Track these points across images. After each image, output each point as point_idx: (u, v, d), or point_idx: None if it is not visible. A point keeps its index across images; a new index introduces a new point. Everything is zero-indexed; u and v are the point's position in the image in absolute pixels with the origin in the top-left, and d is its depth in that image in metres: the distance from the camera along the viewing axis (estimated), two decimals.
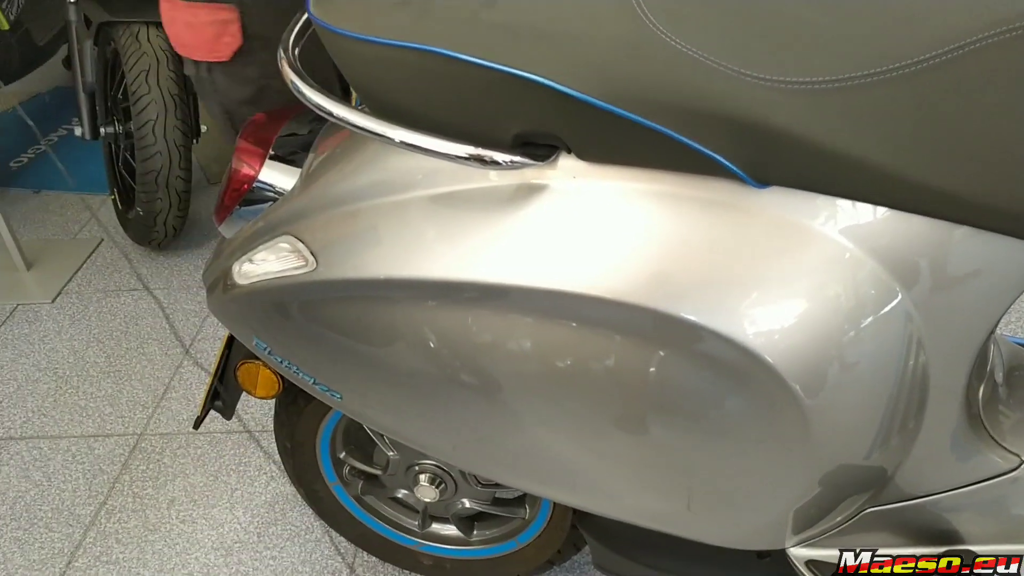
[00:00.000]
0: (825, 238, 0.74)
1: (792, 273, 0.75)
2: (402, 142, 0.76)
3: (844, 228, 0.74)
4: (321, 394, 1.00)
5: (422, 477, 1.24)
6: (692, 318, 0.75)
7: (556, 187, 0.78)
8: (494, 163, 0.76)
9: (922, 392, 0.82)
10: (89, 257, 2.56)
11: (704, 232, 0.76)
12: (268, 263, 0.94)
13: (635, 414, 0.85)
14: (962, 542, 0.97)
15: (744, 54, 0.70)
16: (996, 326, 0.83)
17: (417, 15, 0.76)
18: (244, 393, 1.19)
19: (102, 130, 2.49)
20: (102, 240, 2.64)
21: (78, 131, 2.48)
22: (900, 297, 0.75)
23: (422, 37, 0.74)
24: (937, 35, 0.67)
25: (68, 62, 2.55)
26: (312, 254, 0.89)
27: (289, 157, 0.99)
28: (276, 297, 0.93)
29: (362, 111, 0.79)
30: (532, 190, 0.79)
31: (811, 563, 0.96)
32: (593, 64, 0.71)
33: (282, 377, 1.13)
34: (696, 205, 0.76)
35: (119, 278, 2.46)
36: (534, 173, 0.79)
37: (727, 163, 0.72)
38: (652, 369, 0.81)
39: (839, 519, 0.93)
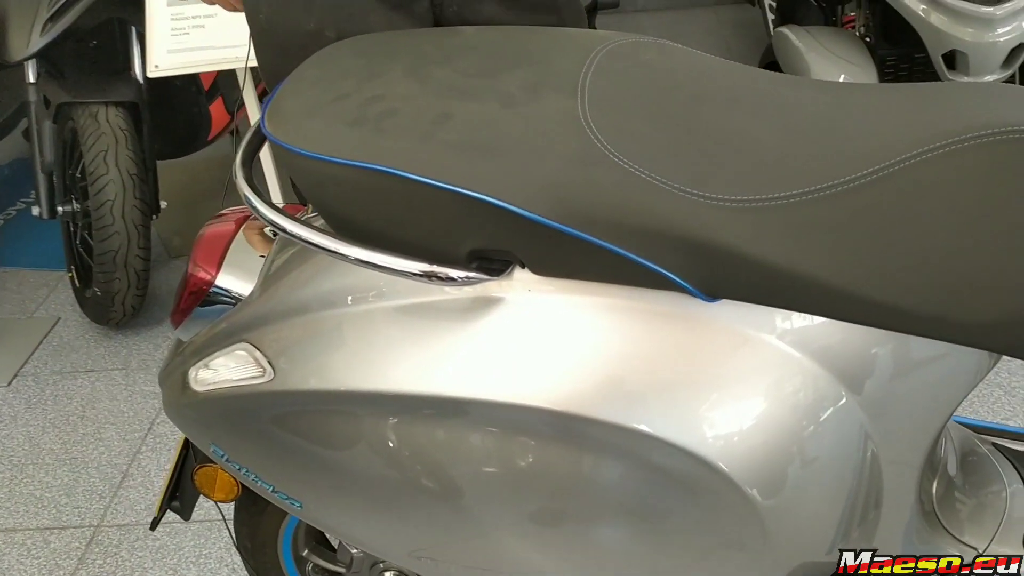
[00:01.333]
0: (773, 347, 0.75)
1: (741, 381, 0.76)
2: (356, 259, 0.77)
3: (792, 338, 0.75)
4: (281, 502, 0.99)
5: (387, 575, 1.22)
6: (645, 428, 0.75)
7: (511, 300, 0.79)
8: (449, 279, 0.76)
9: (876, 491, 0.82)
10: (45, 337, 2.52)
11: (656, 343, 0.77)
12: (225, 370, 0.93)
13: (592, 522, 0.85)
14: None
15: (689, 172, 0.71)
16: (945, 425, 0.84)
17: (371, 134, 0.76)
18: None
19: (60, 209, 2.47)
20: (59, 319, 2.60)
21: (35, 210, 2.46)
22: (846, 400, 0.76)
23: (376, 157, 0.75)
24: (872, 152, 0.69)
25: (27, 134, 2.55)
26: (269, 363, 0.88)
27: (246, 262, 0.99)
28: (233, 406, 0.92)
29: (317, 225, 0.80)
30: (488, 303, 0.79)
31: None
32: (544, 184, 0.72)
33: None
34: (648, 317, 0.77)
35: (76, 359, 2.42)
36: (490, 286, 0.79)
37: (677, 279, 0.73)
38: (608, 479, 0.81)
39: None
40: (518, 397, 0.78)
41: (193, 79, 2.68)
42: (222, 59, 2.17)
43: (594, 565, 0.90)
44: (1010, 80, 1.89)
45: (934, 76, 2.12)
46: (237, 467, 0.98)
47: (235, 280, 0.97)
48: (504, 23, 1.11)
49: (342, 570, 1.29)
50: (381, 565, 1.23)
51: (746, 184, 0.71)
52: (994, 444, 1.10)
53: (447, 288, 0.80)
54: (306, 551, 1.28)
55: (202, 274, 0.98)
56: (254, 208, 0.81)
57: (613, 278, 0.76)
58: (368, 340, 0.84)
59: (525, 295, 0.78)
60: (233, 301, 0.97)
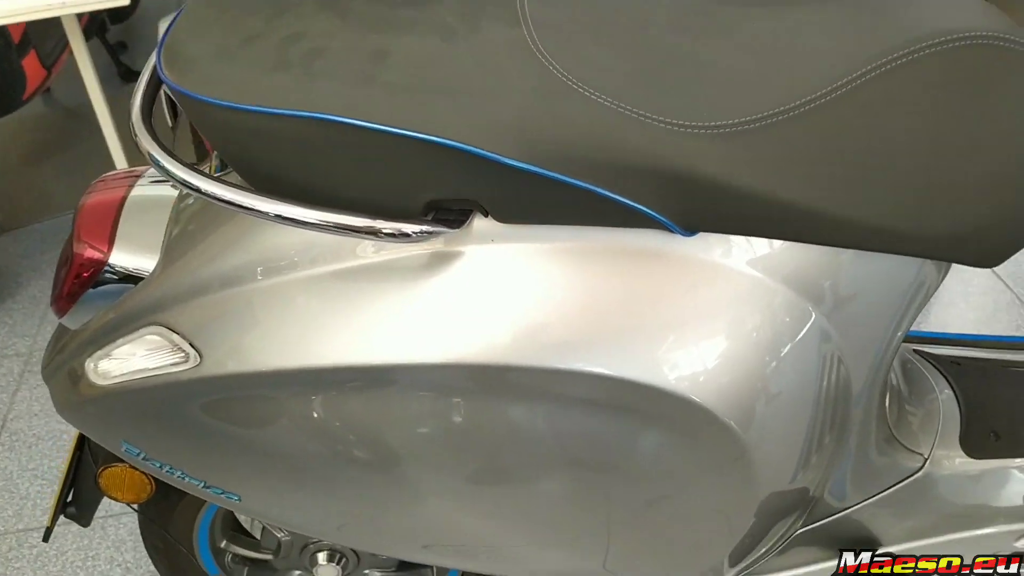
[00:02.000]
0: (746, 276, 0.72)
1: (718, 314, 0.73)
2: (299, 220, 0.67)
3: (763, 265, 0.73)
4: (215, 497, 0.89)
5: (320, 556, 1.14)
6: (626, 374, 0.72)
7: (472, 253, 0.72)
8: (403, 235, 0.68)
9: (844, 407, 0.82)
10: None
11: (632, 284, 0.72)
12: (135, 359, 0.81)
13: (568, 477, 0.81)
14: (880, 545, 0.99)
15: (657, 100, 0.66)
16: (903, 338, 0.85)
17: (301, 78, 0.67)
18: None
19: None
20: None
21: None
22: (817, 321, 0.75)
23: (311, 103, 0.66)
24: (835, 67, 0.67)
25: None
26: (193, 347, 0.78)
27: (141, 233, 0.87)
28: (151, 397, 0.81)
29: (241, 186, 0.70)
30: (446, 258, 0.72)
31: None
32: (508, 123, 0.65)
33: (155, 478, 0.99)
34: (622, 257, 0.72)
35: None
36: (447, 240, 0.72)
37: (655, 215, 0.68)
38: (588, 432, 0.77)
39: (771, 543, 0.92)
40: (486, 356, 0.72)
41: (0, 32, 2.39)
42: (37, 6, 1.93)
43: (561, 520, 0.86)
44: None
45: None
46: (158, 465, 0.88)
47: (131, 256, 0.85)
48: None
49: (267, 556, 1.20)
50: (312, 547, 1.15)
51: (717, 110, 0.67)
52: (915, 350, 1.14)
53: (396, 246, 0.73)
54: (224, 542, 1.18)
55: (91, 252, 0.85)
56: (160, 168, 0.70)
57: (584, 219, 0.70)
58: (308, 310, 0.75)
59: (487, 247, 0.72)
60: (131, 280, 0.85)
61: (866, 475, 0.93)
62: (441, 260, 0.72)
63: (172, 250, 0.83)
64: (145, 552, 1.20)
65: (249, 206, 0.67)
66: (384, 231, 0.67)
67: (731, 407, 0.73)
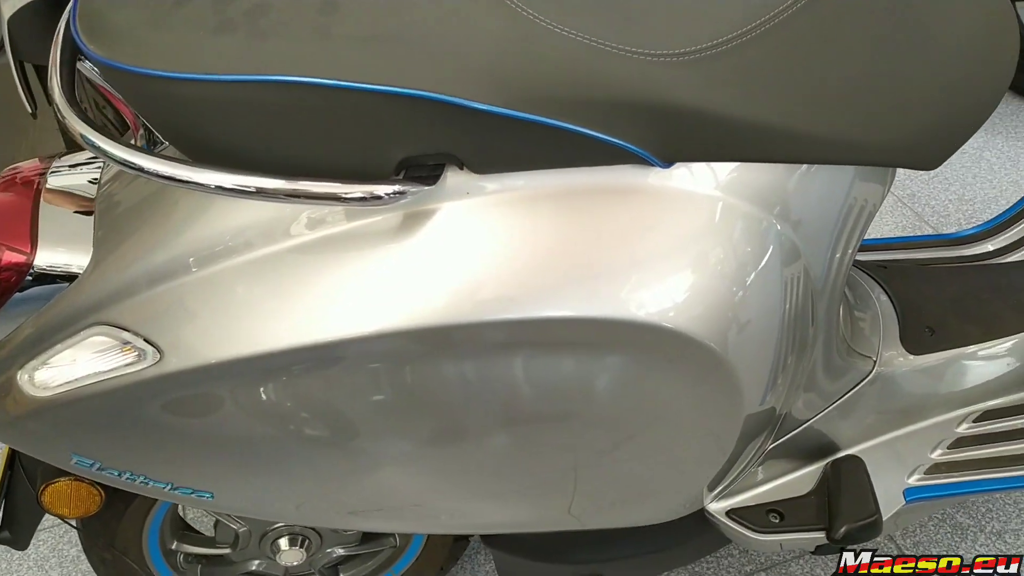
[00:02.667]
0: (716, 199, 0.72)
1: (693, 238, 0.72)
2: (269, 191, 0.62)
3: (734, 188, 0.73)
4: (183, 498, 0.83)
5: (282, 541, 1.10)
6: (611, 313, 0.71)
7: (448, 208, 0.69)
8: (375, 198, 0.64)
9: (809, 320, 0.84)
10: None
11: (610, 221, 0.71)
12: (80, 364, 0.74)
13: (542, 427, 0.81)
14: (840, 449, 1.04)
15: (627, 31, 0.65)
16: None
17: (249, 39, 0.61)
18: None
19: None
20: None
21: None
22: (783, 233, 0.75)
23: (266, 65, 0.60)
24: None
25: None
26: (151, 343, 0.72)
27: (64, 228, 0.79)
28: (106, 403, 0.74)
29: (186, 161, 0.64)
30: (421, 217, 0.69)
31: (731, 513, 0.97)
32: (482, 68, 0.62)
33: (103, 488, 0.93)
34: (602, 196, 0.71)
35: None
36: (420, 199, 0.68)
37: (635, 149, 0.67)
38: (569, 379, 0.76)
39: (745, 464, 0.94)
40: (466, 314, 0.69)
41: None
42: None
43: (546, 468, 0.86)
44: None
45: None
46: (115, 474, 0.81)
47: (58, 253, 0.77)
48: None
49: (224, 551, 1.14)
50: (272, 533, 1.10)
51: (687, 35, 0.66)
52: None
53: (366, 209, 0.69)
54: (175, 543, 1.12)
55: (10, 256, 0.76)
56: (93, 147, 0.63)
57: (562, 161, 0.68)
58: (274, 291, 0.70)
59: (463, 200, 0.69)
60: (61, 279, 0.77)
61: (825, 386, 0.96)
62: (416, 220, 0.69)
63: (105, 242, 0.76)
64: (72, 568, 1.12)
65: (209, 183, 0.62)
66: (356, 195, 0.63)
67: (712, 329, 0.74)
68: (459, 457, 0.83)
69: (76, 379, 0.75)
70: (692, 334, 0.72)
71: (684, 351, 0.74)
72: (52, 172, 0.83)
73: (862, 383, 1.00)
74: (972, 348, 1.08)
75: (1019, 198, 1.33)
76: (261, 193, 0.62)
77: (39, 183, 0.81)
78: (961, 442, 1.06)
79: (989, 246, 1.31)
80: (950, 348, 1.06)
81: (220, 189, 0.62)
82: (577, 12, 0.65)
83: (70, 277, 0.77)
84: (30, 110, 1.79)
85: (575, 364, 0.75)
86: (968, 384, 1.09)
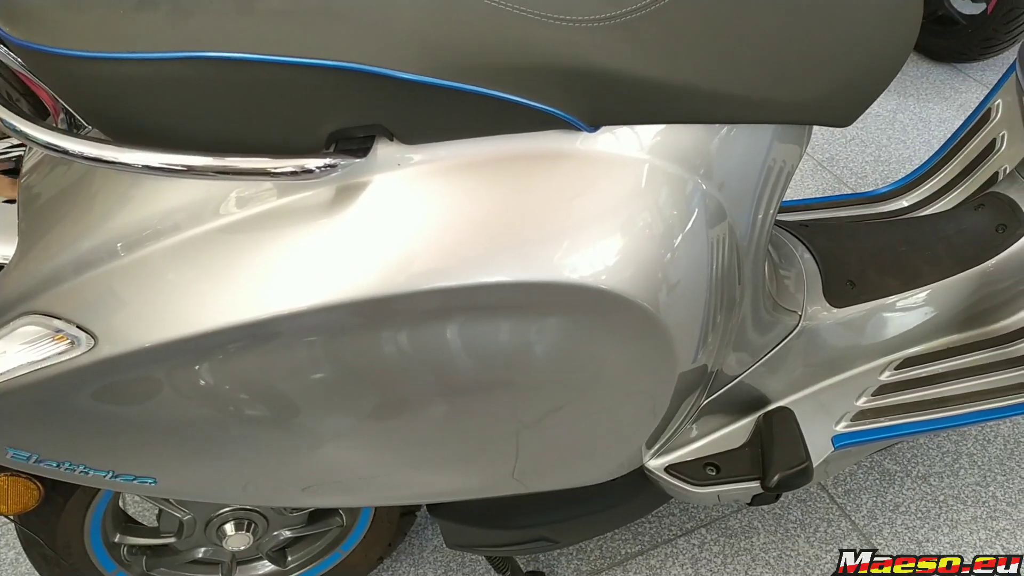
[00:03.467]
0: (641, 161, 0.74)
1: (621, 200, 0.74)
2: (198, 169, 0.62)
3: (657, 150, 0.75)
4: (124, 485, 0.83)
5: (227, 527, 1.09)
6: (541, 277, 0.72)
7: (379, 180, 0.69)
8: (306, 172, 0.64)
9: (737, 275, 0.87)
10: None
11: (539, 187, 0.72)
12: (12, 355, 0.73)
13: (482, 394, 0.82)
14: (771, 402, 1.07)
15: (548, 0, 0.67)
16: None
17: (172, 16, 0.61)
18: None
19: None
20: None
21: None
22: (708, 193, 0.78)
23: (191, 42, 0.60)
24: None
25: None
26: (83, 330, 0.71)
27: None
28: (41, 393, 0.73)
29: (110, 142, 0.63)
30: (353, 191, 0.69)
31: (669, 469, 1.00)
32: (407, 38, 0.63)
33: (41, 482, 0.91)
34: (531, 162, 0.72)
35: None
36: (351, 172, 0.68)
37: (561, 114, 0.69)
38: (503, 345, 0.77)
39: (681, 421, 0.97)
40: (400, 285, 0.70)
41: None
42: None
43: (480, 435, 0.87)
44: None
45: None
46: (54, 465, 0.80)
47: None
48: None
49: (168, 540, 1.13)
50: (217, 519, 1.10)
51: (607, 1, 0.68)
52: None
53: (296, 185, 0.69)
54: (118, 535, 1.11)
55: None
56: (26, 136, 0.62)
57: (492, 128, 0.69)
58: (207, 270, 0.70)
59: (394, 172, 0.69)
60: None
61: (754, 342, 0.99)
62: (348, 193, 0.69)
63: (30, 231, 0.75)
64: (12, 572, 1.10)
65: (136, 162, 0.61)
66: (286, 170, 0.63)
67: (643, 289, 0.75)
68: (401, 428, 0.84)
69: (7, 371, 0.73)
70: (624, 294, 0.74)
71: (617, 311, 0.76)
72: None
73: (788, 337, 1.03)
74: (891, 299, 1.12)
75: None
76: (191, 171, 0.62)
77: None
78: (884, 389, 1.11)
79: (904, 202, 1.36)
80: (870, 300, 1.11)
81: (147, 168, 0.61)
82: None
83: None
84: None
85: (511, 330, 0.76)
86: (889, 334, 1.14)
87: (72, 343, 0.71)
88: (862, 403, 1.09)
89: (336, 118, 0.65)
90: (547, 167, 0.72)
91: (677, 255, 0.77)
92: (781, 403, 1.07)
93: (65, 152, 0.62)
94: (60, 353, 0.71)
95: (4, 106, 0.63)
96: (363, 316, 0.71)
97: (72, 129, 0.78)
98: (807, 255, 1.13)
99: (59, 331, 0.72)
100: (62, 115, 0.80)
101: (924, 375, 1.13)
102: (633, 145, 0.73)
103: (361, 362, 0.75)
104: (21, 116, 0.62)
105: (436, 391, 0.80)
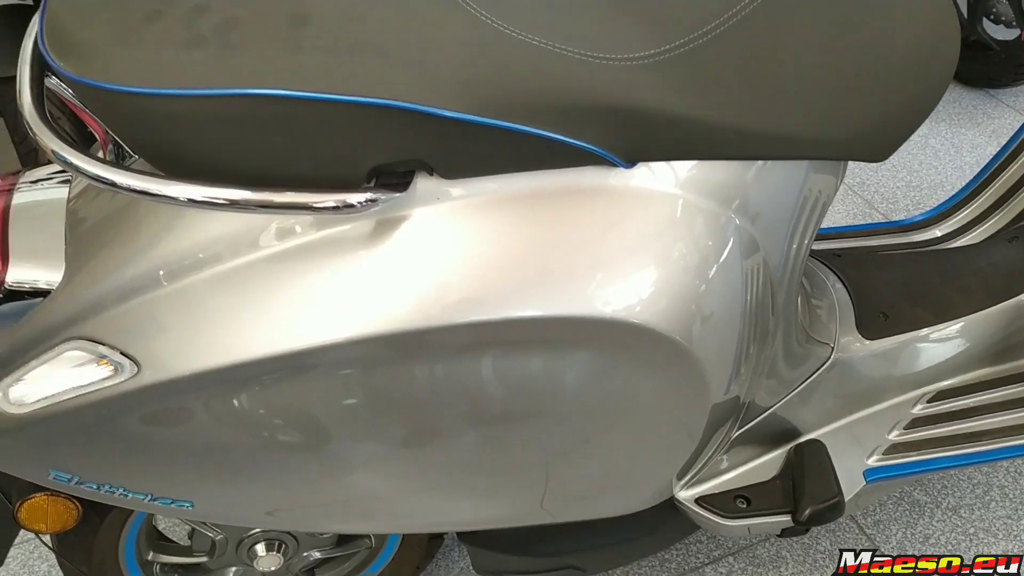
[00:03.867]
0: (675, 197, 0.75)
1: (654, 235, 0.75)
2: (242, 203, 0.64)
3: (693, 185, 0.75)
4: (162, 509, 0.84)
5: (259, 547, 1.11)
6: (576, 311, 0.73)
7: (419, 214, 0.70)
8: (348, 207, 0.66)
9: (770, 308, 0.87)
10: None
11: (578, 221, 0.73)
12: (57, 379, 0.75)
13: (514, 425, 0.83)
14: (802, 434, 1.07)
15: (588, 36, 0.68)
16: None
17: (222, 53, 0.62)
18: None
19: None
20: None
21: None
22: (741, 227, 0.78)
23: (242, 79, 0.61)
24: None
25: None
26: (127, 357, 0.72)
27: (35, 241, 0.79)
28: (84, 417, 0.75)
29: (157, 174, 0.65)
30: (392, 224, 0.70)
31: (700, 500, 1.00)
32: (451, 76, 0.64)
33: (81, 501, 0.93)
34: (567, 198, 0.73)
35: None
36: (391, 205, 0.70)
37: (599, 151, 0.69)
38: (535, 377, 0.78)
39: (712, 452, 0.97)
40: (443, 317, 0.71)
41: None
42: None
43: (515, 465, 0.88)
44: None
45: None
46: (94, 487, 0.82)
47: (29, 270, 0.77)
48: None
49: (200, 559, 1.15)
50: (248, 539, 1.11)
51: (644, 39, 0.69)
52: None
53: (337, 218, 0.70)
54: (151, 553, 1.12)
55: None
56: (78, 169, 0.64)
57: (530, 164, 0.70)
58: (250, 300, 0.71)
59: (433, 206, 0.70)
60: (32, 295, 0.78)
61: (785, 374, 0.99)
62: (387, 227, 0.70)
63: (77, 257, 0.76)
64: None
65: (181, 196, 0.63)
66: (328, 205, 0.65)
67: (676, 323, 0.76)
68: (432, 457, 0.84)
69: (53, 395, 0.75)
70: (658, 328, 0.75)
71: (650, 345, 0.76)
72: (18, 189, 0.83)
73: (821, 369, 1.03)
74: (924, 331, 1.12)
75: (963, 183, 1.38)
76: (234, 205, 0.64)
77: (5, 200, 0.81)
78: (917, 422, 1.11)
79: (936, 232, 1.35)
80: (903, 332, 1.10)
81: (192, 202, 0.63)
82: (536, 18, 0.67)
83: (42, 293, 0.77)
84: None
85: (544, 362, 0.77)
86: (921, 366, 1.13)
87: (116, 369, 0.73)
88: (894, 436, 1.09)
89: (378, 153, 0.66)
90: (583, 202, 0.73)
91: (710, 289, 0.77)
92: (812, 435, 1.07)
93: (113, 184, 0.64)
94: (104, 379, 0.73)
95: (55, 136, 0.65)
96: (399, 348, 0.72)
97: (119, 158, 0.80)
98: (839, 285, 1.12)
99: (103, 357, 0.73)
100: (111, 144, 0.82)
101: (957, 409, 1.12)
102: (668, 180, 0.74)
103: (394, 392, 0.76)
104: (70, 147, 0.64)
105: (467, 421, 0.80)
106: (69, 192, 0.83)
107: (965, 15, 2.26)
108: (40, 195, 0.83)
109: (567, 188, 0.72)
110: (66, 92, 0.80)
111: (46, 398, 0.75)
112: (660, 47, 0.69)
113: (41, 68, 0.69)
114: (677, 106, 0.69)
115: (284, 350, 0.70)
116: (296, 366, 0.72)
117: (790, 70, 0.73)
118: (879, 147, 0.80)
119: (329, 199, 0.64)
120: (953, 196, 1.37)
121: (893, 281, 1.16)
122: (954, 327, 1.14)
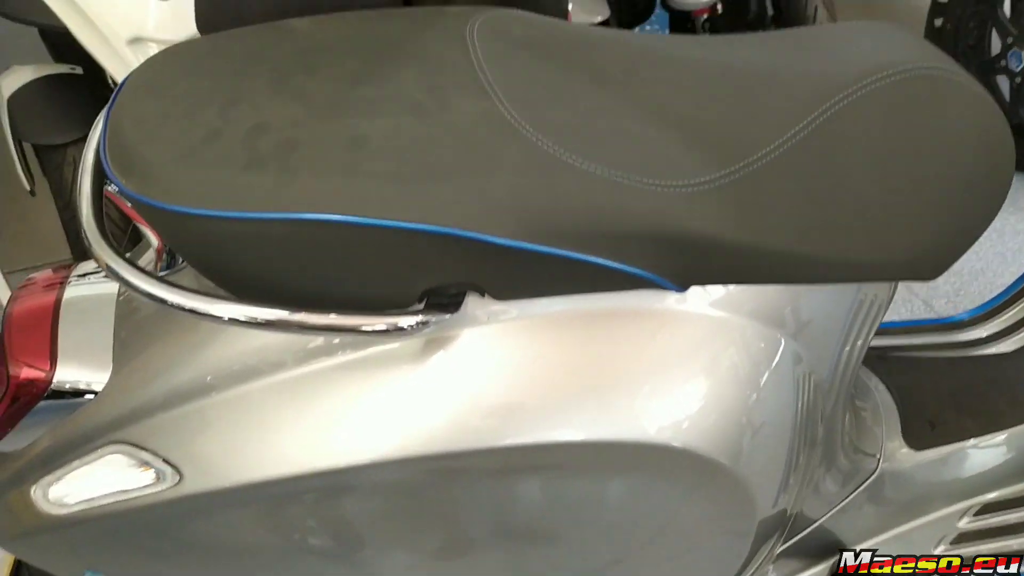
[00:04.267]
0: (717, 318, 0.74)
1: (697, 358, 0.74)
2: (292, 324, 0.64)
3: (744, 308, 0.75)
4: None
5: None
6: (621, 436, 0.72)
7: (468, 334, 0.70)
8: (399, 330, 0.66)
9: (816, 424, 0.85)
10: None
11: (630, 344, 0.73)
12: (97, 482, 0.75)
13: (565, 540, 0.81)
14: (847, 546, 1.04)
15: (641, 161, 0.67)
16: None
17: (281, 176, 0.63)
18: None
19: None
20: None
21: None
22: (786, 344, 0.77)
23: (300, 203, 0.62)
24: (792, 109, 0.70)
25: None
26: (168, 464, 0.72)
27: (83, 342, 0.79)
28: (123, 522, 0.75)
29: (221, 294, 0.65)
30: (441, 343, 0.70)
31: None
32: (504, 203, 0.64)
33: None
34: (617, 320, 0.73)
35: None
36: (441, 326, 0.69)
37: (651, 276, 0.69)
38: (589, 496, 0.77)
39: (758, 566, 0.95)
40: (490, 439, 0.70)
41: None
42: None
43: None
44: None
45: None
46: None
47: (77, 370, 0.77)
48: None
49: None
50: None
51: (698, 164, 0.68)
52: None
53: (385, 337, 0.70)
54: None
55: (30, 372, 0.77)
56: (132, 286, 0.64)
57: (582, 287, 0.70)
58: (294, 415, 0.71)
59: (483, 327, 0.70)
60: (77, 394, 0.78)
61: (831, 488, 0.97)
62: (437, 346, 0.70)
63: (125, 359, 0.77)
64: None
65: (236, 317, 0.63)
66: (379, 328, 0.65)
67: (724, 448, 0.75)
68: (463, 572, 0.83)
69: (93, 498, 0.75)
70: (706, 454, 0.74)
71: (697, 469, 0.75)
72: (70, 283, 0.84)
73: (868, 481, 1.01)
74: (971, 441, 1.09)
75: (1004, 268, 1.36)
76: (283, 326, 0.64)
77: (57, 295, 0.82)
78: (963, 537, 1.08)
79: (982, 332, 1.33)
80: (950, 443, 1.08)
81: (236, 322, 0.63)
82: (592, 143, 0.67)
83: (88, 392, 0.77)
84: (28, 188, 1.79)
85: (589, 483, 0.76)
86: (968, 477, 1.10)
87: (158, 476, 0.73)
88: (940, 551, 1.06)
89: (431, 277, 0.66)
90: (633, 325, 0.72)
91: (759, 410, 0.76)
92: (858, 547, 1.04)
93: (163, 302, 0.64)
94: (145, 486, 0.73)
95: (112, 251, 0.66)
96: (440, 469, 0.71)
97: (174, 258, 0.81)
98: (882, 387, 1.11)
99: (146, 463, 0.73)
100: (166, 252, 0.83)
101: (1004, 523, 1.09)
102: (719, 303, 0.73)
103: (434, 508, 0.75)
104: (124, 262, 0.65)
105: (505, 538, 0.79)
106: (119, 290, 0.83)
107: (1007, 98, 2.26)
108: (91, 290, 0.84)
109: (618, 310, 0.72)
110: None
111: (86, 500, 0.75)
112: (714, 173, 0.68)
113: (101, 179, 0.70)
114: (730, 232, 0.69)
115: (327, 467, 0.70)
116: (337, 483, 0.71)
117: (843, 196, 0.72)
118: (931, 268, 0.79)
119: (380, 322, 0.64)
120: (998, 296, 1.35)
121: (939, 388, 1.14)
122: (1001, 437, 1.11)
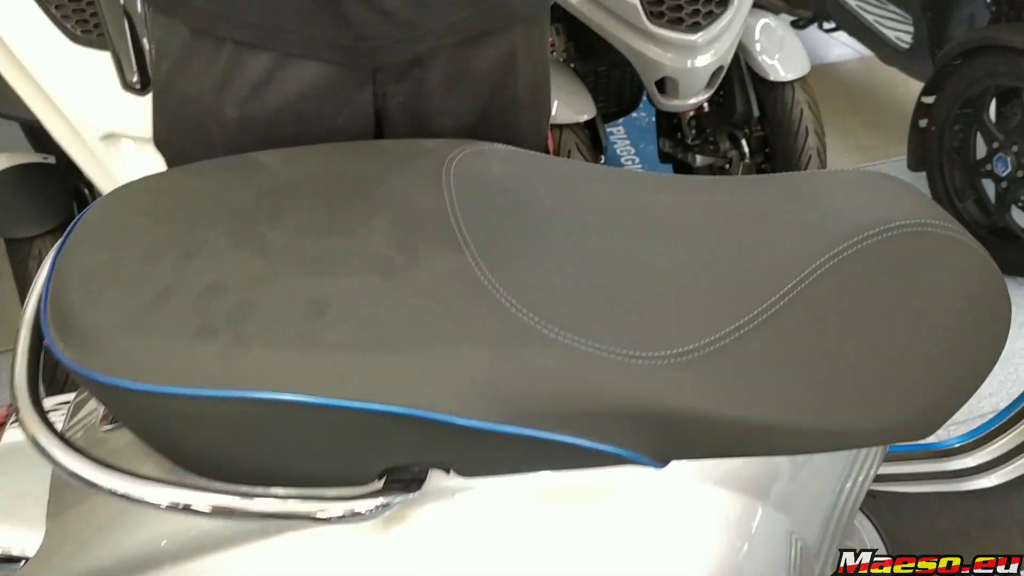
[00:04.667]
0: (711, 493, 0.70)
1: (686, 535, 0.70)
2: (236, 511, 0.59)
3: (724, 480, 0.70)
4: None
5: None
6: None
7: (431, 510, 0.65)
8: (356, 515, 0.61)
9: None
10: None
11: (605, 520, 0.68)
12: None
13: None
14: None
15: (622, 329, 0.63)
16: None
17: (232, 348, 0.58)
18: None
19: None
20: None
21: None
22: (778, 520, 0.73)
23: (244, 380, 0.57)
24: (777, 270, 0.67)
25: None
26: None
27: (15, 500, 0.74)
28: None
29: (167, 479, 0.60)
30: (402, 520, 0.65)
31: None
32: (474, 382, 0.59)
33: None
34: (592, 496, 0.68)
35: None
36: (402, 504, 0.64)
37: (628, 454, 0.64)
38: None
39: None
40: None
41: None
42: None
43: None
44: (711, 99, 2.03)
45: (633, 85, 2.26)
46: None
47: (9, 531, 0.72)
48: (459, 116, 0.94)
49: None
50: None
51: (681, 332, 0.64)
52: None
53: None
54: None
55: None
56: (59, 465, 0.59)
57: (555, 465, 0.66)
58: None
59: (447, 502, 0.65)
60: (11, 561, 0.72)
61: None
62: (396, 523, 0.65)
63: (56, 525, 0.71)
64: None
65: (175, 502, 0.58)
66: (334, 516, 0.60)
67: None
68: None
69: None
70: None
71: None
72: (11, 424, 0.78)
73: None
74: None
75: (989, 379, 1.32)
76: (229, 513, 0.59)
77: None
78: None
79: (971, 460, 1.29)
80: None
81: (179, 509, 0.58)
82: (569, 307, 0.63)
83: (13, 559, 0.71)
84: None
85: None
86: None
87: None
88: None
89: (392, 456, 0.62)
90: (608, 501, 0.68)
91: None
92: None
93: (93, 486, 0.59)
94: None
95: (42, 424, 0.61)
96: None
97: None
98: (870, 527, 1.06)
99: None
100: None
101: None
102: (700, 477, 0.69)
103: None
104: (53, 436, 0.60)
105: None
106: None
107: (992, 201, 2.25)
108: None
109: (592, 487, 0.67)
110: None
111: None
112: (699, 340, 0.64)
113: (39, 339, 0.65)
114: (712, 406, 0.64)
115: None
116: None
117: (830, 363, 0.68)
118: (924, 428, 0.75)
119: (336, 508, 0.59)
120: (985, 423, 1.31)
121: (932, 531, 1.09)
122: None
